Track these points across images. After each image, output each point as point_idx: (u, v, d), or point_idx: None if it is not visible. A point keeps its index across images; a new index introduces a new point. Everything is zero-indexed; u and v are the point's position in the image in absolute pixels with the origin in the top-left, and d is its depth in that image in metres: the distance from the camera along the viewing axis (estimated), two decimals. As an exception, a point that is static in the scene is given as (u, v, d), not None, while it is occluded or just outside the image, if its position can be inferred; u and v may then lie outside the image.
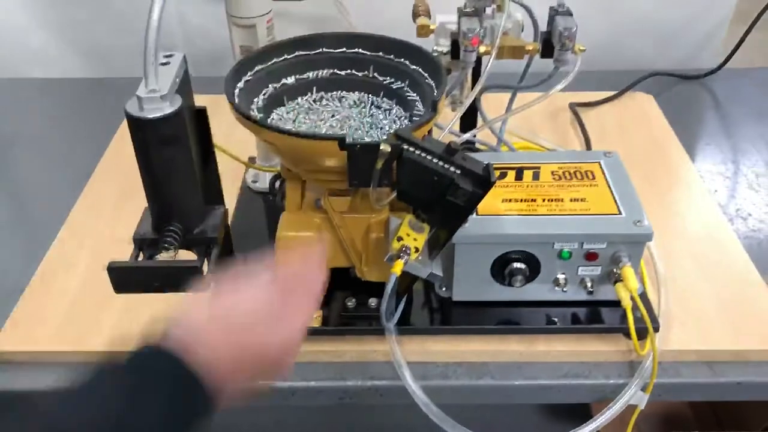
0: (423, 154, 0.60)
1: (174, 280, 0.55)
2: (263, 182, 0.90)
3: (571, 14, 0.74)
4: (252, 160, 0.93)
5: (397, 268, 0.63)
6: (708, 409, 1.19)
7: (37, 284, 0.79)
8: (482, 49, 0.74)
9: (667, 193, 0.91)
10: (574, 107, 1.06)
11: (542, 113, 1.05)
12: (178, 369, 0.43)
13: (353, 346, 0.71)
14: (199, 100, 0.63)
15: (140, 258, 0.57)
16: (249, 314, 0.47)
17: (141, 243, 0.58)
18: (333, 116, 0.71)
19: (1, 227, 0.91)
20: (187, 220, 0.58)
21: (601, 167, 0.75)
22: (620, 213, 0.69)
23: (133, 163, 0.55)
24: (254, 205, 0.90)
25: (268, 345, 0.47)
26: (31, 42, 1.24)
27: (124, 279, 0.55)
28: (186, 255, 0.58)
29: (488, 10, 0.76)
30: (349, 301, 0.72)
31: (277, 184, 0.85)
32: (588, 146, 0.98)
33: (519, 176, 0.74)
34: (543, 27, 0.77)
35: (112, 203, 0.90)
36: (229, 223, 0.68)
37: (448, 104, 0.86)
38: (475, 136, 0.85)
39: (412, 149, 0.60)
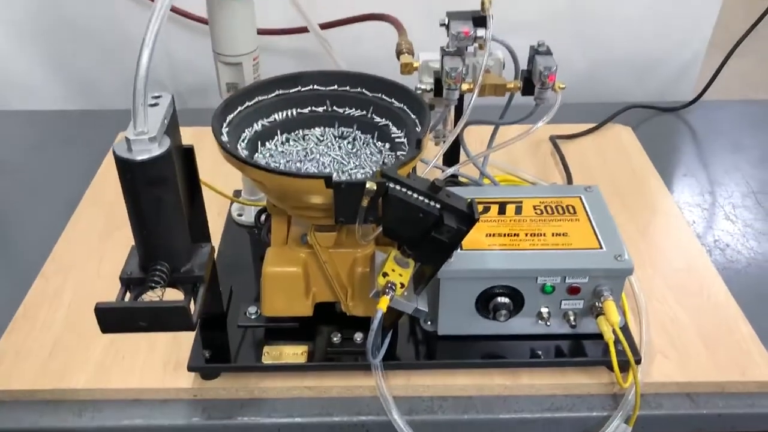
0: (408, 192, 0.61)
1: (161, 320, 0.55)
2: (249, 216, 0.91)
3: (550, 53, 0.76)
4: (237, 193, 0.94)
5: (383, 304, 0.63)
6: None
7: (21, 320, 0.79)
8: (464, 86, 0.76)
9: (647, 225, 0.93)
10: (554, 139, 1.08)
11: (524, 146, 1.06)
12: None
13: (339, 381, 0.71)
14: (186, 133, 0.63)
15: (127, 297, 0.58)
16: None
17: (128, 282, 0.58)
18: (306, 156, 0.72)
19: (-16, 261, 0.91)
20: (174, 259, 0.58)
21: (581, 201, 0.76)
22: (601, 247, 0.70)
23: (118, 196, 0.56)
24: (240, 238, 0.90)
25: None
26: (17, 73, 1.24)
27: (112, 319, 0.55)
28: (173, 293, 0.58)
29: (470, 49, 0.78)
30: (335, 336, 0.73)
31: (263, 218, 0.85)
32: (569, 178, 0.99)
33: (502, 211, 0.76)
34: (524, 65, 0.79)
35: (97, 237, 0.90)
36: (215, 256, 0.68)
37: (432, 138, 0.87)
38: (459, 170, 0.87)
39: (397, 187, 0.61)
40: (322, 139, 0.75)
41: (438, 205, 0.61)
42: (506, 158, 0.99)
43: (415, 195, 0.61)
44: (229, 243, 0.88)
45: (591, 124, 1.13)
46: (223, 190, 0.90)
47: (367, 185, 0.60)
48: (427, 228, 0.61)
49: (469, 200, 0.61)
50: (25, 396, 0.71)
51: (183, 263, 0.59)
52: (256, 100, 0.73)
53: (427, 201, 0.61)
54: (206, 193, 0.71)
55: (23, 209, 0.99)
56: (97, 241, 0.90)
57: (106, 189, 0.99)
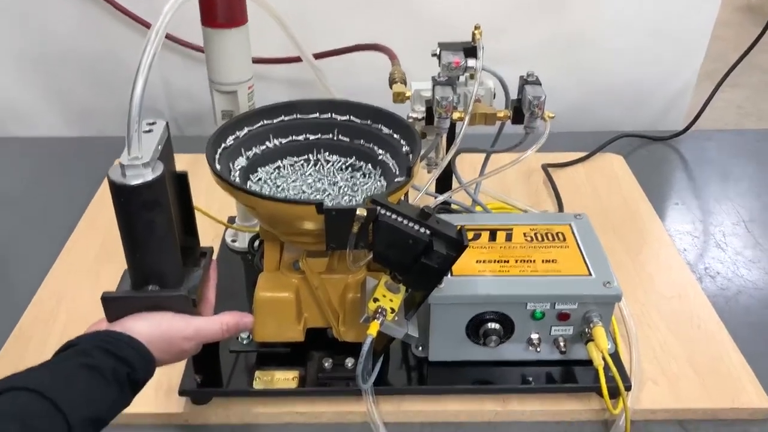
0: (398, 218, 0.62)
1: (162, 308, 0.57)
2: (242, 242, 0.91)
3: (539, 83, 0.77)
4: (232, 219, 0.95)
5: (373, 329, 0.64)
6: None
7: (13, 344, 0.79)
8: (455, 115, 0.77)
9: (638, 252, 0.94)
10: (546, 168, 1.09)
11: (516, 174, 1.08)
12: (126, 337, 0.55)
13: (330, 407, 0.71)
14: (182, 159, 0.65)
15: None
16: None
17: (119, 305, 0.59)
18: (298, 183, 0.73)
19: (-21, 286, 0.91)
20: (165, 283, 0.59)
21: (571, 229, 0.77)
22: (590, 274, 0.71)
23: (113, 223, 0.57)
24: (233, 263, 0.90)
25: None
26: (16, 101, 1.26)
27: (117, 309, 0.57)
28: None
29: (461, 78, 0.80)
30: (326, 362, 0.73)
31: (256, 244, 0.86)
32: (560, 206, 1.00)
33: (492, 237, 0.76)
34: (514, 95, 0.80)
35: (91, 263, 0.91)
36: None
37: (424, 166, 0.88)
38: (450, 197, 0.87)
39: (387, 213, 0.62)
40: (314, 166, 0.76)
41: (428, 232, 0.61)
42: (498, 186, 1.00)
43: (405, 221, 0.61)
44: (223, 269, 0.88)
45: (583, 153, 1.14)
46: (217, 216, 0.91)
47: (358, 212, 0.61)
48: (417, 254, 0.62)
49: (458, 227, 0.62)
50: (16, 421, 0.71)
51: (175, 287, 0.59)
52: (250, 127, 0.74)
53: (417, 227, 0.61)
54: (201, 219, 0.72)
55: (19, 234, 1.00)
56: (92, 266, 0.90)
57: (101, 215, 1.00)
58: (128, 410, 0.70)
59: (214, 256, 0.89)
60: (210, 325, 0.62)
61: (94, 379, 0.52)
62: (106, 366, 0.53)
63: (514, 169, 0.80)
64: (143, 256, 0.57)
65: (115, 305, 0.58)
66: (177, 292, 0.59)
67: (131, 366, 0.54)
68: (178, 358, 0.61)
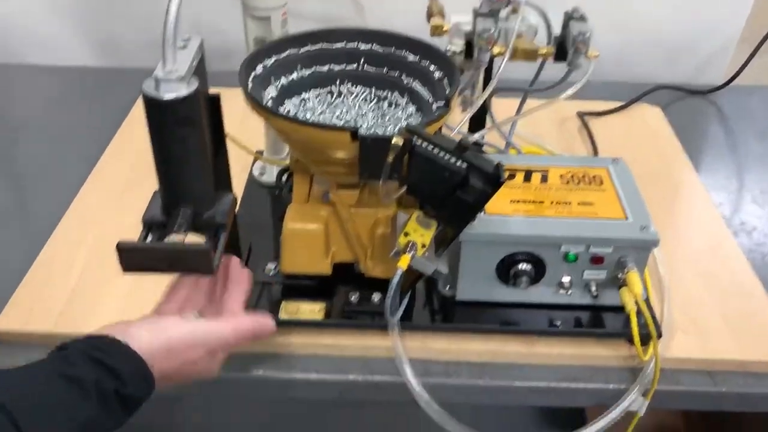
0: (434, 149, 0.60)
1: (182, 262, 0.55)
2: (270, 176, 0.90)
3: (585, 20, 0.74)
4: (259, 154, 0.93)
5: (403, 262, 0.63)
6: (701, 424, 1.19)
7: (40, 266, 0.79)
8: (496, 50, 0.74)
9: (672, 204, 0.92)
10: (582, 115, 1.06)
11: (550, 120, 1.05)
12: (120, 346, 0.50)
13: (355, 340, 0.71)
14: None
15: (149, 239, 0.57)
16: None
17: (150, 225, 0.58)
18: (329, 113, 0.71)
19: (7, 211, 0.91)
20: (197, 204, 0.58)
21: (609, 172, 0.75)
22: (627, 218, 0.69)
23: (140, 152, 0.56)
24: (260, 197, 0.90)
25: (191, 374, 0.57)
26: (43, 29, 1.24)
27: (133, 259, 0.55)
28: (193, 238, 0.58)
29: (503, 14, 0.77)
30: (353, 296, 0.72)
31: (284, 178, 0.85)
32: (595, 153, 0.98)
33: (527, 178, 0.75)
34: (557, 32, 0.77)
35: (118, 190, 0.90)
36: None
37: (459, 104, 0.86)
38: (483, 137, 0.85)
39: (423, 144, 0.60)
40: (347, 97, 0.74)
41: (464, 165, 0.60)
42: (532, 131, 0.98)
43: (442, 153, 0.60)
44: (250, 202, 0.88)
45: (619, 103, 1.11)
46: (243, 153, 0.89)
47: (394, 140, 0.59)
48: (452, 187, 0.60)
49: (496, 162, 0.60)
50: (42, 340, 0.71)
51: (206, 209, 0.58)
52: (283, 54, 0.72)
53: (453, 160, 0.60)
54: (229, 152, 0.70)
55: (46, 162, 0.99)
56: (118, 194, 0.89)
57: (128, 144, 0.99)
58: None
59: (241, 190, 0.89)
60: (220, 329, 0.55)
61: (70, 392, 0.46)
62: (88, 378, 0.47)
63: (548, 116, 0.78)
64: (175, 175, 0.56)
65: (130, 255, 0.54)
66: (199, 246, 0.55)
67: (120, 379, 0.48)
68: (185, 373, 0.55)
